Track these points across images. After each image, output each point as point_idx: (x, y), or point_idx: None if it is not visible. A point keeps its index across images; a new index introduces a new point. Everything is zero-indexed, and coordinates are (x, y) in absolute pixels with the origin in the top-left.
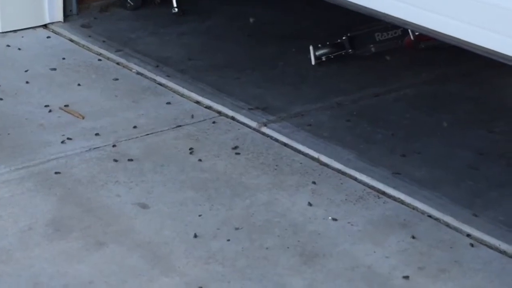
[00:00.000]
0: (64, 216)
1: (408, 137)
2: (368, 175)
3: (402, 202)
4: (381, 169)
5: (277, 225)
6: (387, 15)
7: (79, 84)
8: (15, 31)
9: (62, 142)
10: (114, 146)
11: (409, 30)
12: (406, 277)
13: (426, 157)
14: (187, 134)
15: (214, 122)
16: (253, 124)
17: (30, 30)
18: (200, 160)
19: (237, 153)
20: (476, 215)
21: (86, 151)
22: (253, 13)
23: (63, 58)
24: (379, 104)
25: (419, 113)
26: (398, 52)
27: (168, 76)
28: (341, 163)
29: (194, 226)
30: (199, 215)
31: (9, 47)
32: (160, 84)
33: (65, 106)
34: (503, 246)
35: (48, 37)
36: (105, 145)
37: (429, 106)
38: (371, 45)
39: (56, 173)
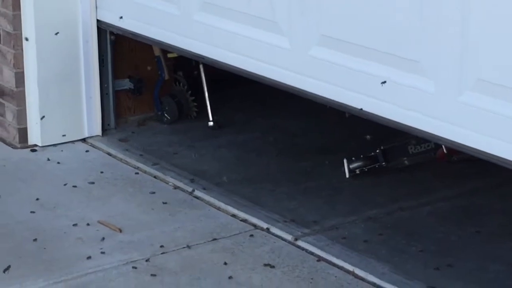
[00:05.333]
0: None
1: (441, 250)
2: None
3: None
4: (416, 282)
5: None
6: (419, 130)
7: (116, 198)
8: (54, 145)
9: (100, 255)
10: (151, 259)
11: None
12: None
13: (460, 270)
14: (223, 248)
15: (249, 235)
16: (288, 237)
17: (69, 144)
18: (235, 274)
19: (272, 267)
20: None
21: (123, 264)
22: (286, 126)
23: (101, 172)
24: (413, 217)
25: (451, 226)
26: (431, 165)
27: (204, 189)
28: (376, 277)
29: None
30: None
31: (49, 161)
32: (196, 197)
33: (102, 219)
34: None
35: (87, 151)
36: (142, 259)
37: (461, 219)
38: (404, 158)
39: (94, 287)
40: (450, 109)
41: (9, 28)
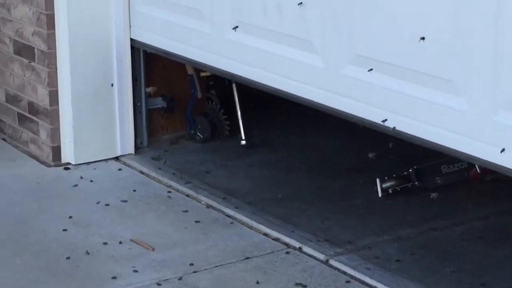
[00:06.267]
0: None
1: (474, 270)
2: None
3: None
4: None
5: None
6: (453, 149)
7: (149, 216)
8: (88, 163)
9: (132, 273)
10: (183, 278)
11: None
12: None
13: None
14: (255, 266)
15: (282, 255)
16: (321, 256)
17: (102, 162)
18: None
19: (304, 286)
20: None
21: (156, 283)
22: (319, 145)
23: (134, 190)
24: (446, 237)
25: (484, 246)
26: (465, 185)
27: (236, 208)
28: None
29: None
30: None
31: (82, 179)
32: (229, 216)
33: (135, 237)
34: None
35: (120, 169)
36: (175, 277)
37: (495, 239)
38: (438, 178)
39: None
40: (484, 128)
41: (43, 47)
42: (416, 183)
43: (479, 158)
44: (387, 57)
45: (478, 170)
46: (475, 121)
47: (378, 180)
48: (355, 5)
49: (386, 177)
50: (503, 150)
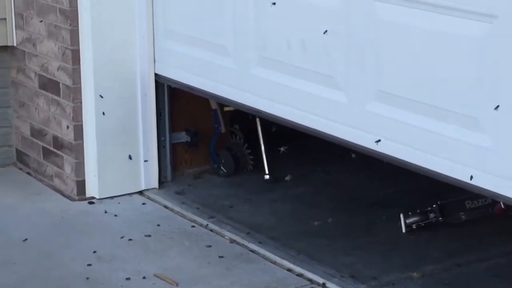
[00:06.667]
0: None
1: None
2: None
3: None
4: None
5: None
6: (477, 186)
7: (173, 251)
8: (112, 197)
9: None
10: None
11: None
12: None
13: None
14: None
15: None
16: None
17: (126, 196)
18: None
19: None
20: None
21: None
22: (342, 179)
23: (158, 225)
24: (470, 273)
25: (509, 282)
26: (489, 220)
27: (260, 243)
28: None
29: None
30: None
31: (106, 213)
32: (252, 251)
33: (159, 272)
34: None
35: (144, 203)
36: None
37: None
38: (462, 213)
39: None
40: (509, 166)
41: (68, 82)
42: (440, 218)
43: (504, 196)
44: (411, 94)
45: (502, 206)
46: (500, 159)
47: (402, 216)
48: (381, 43)
49: (410, 213)
50: None
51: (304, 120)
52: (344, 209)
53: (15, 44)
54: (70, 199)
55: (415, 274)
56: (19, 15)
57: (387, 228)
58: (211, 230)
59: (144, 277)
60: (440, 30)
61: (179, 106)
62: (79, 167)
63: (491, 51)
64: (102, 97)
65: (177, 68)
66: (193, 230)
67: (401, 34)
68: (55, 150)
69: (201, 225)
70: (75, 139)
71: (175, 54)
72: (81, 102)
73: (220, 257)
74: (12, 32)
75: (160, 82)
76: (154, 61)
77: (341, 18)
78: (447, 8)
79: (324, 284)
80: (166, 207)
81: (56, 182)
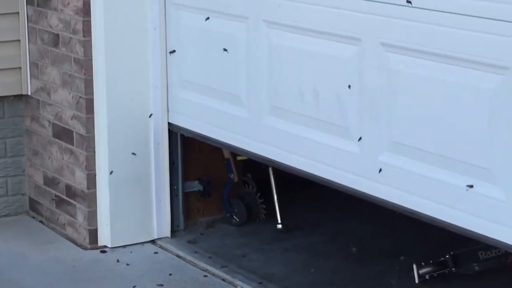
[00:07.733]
0: None
1: None
2: None
3: None
4: None
5: None
6: (490, 238)
7: None
8: (124, 246)
9: None
10: None
11: None
12: None
13: None
14: None
15: None
16: None
17: (139, 245)
18: None
19: None
20: None
21: None
22: (355, 229)
23: (170, 274)
24: None
25: None
26: (502, 271)
27: None
28: None
29: None
30: None
31: (118, 262)
32: None
33: None
34: None
35: (156, 252)
36: None
37: None
38: (475, 264)
39: None
40: None
41: (82, 130)
42: (453, 269)
43: None
44: (424, 145)
45: None
46: None
47: (415, 266)
48: (394, 94)
49: (423, 263)
50: None
51: (316, 170)
52: (357, 259)
53: (29, 93)
54: (82, 248)
55: None
56: (34, 64)
57: (400, 278)
58: (223, 280)
59: None
60: (453, 81)
61: (192, 155)
62: (92, 216)
63: (503, 102)
64: (115, 146)
65: (190, 117)
66: (205, 280)
67: (414, 85)
68: (68, 198)
69: (213, 274)
70: (88, 188)
71: (188, 103)
72: (94, 151)
73: None
74: (27, 81)
75: (174, 131)
76: (168, 110)
77: (354, 68)
78: (459, 59)
79: None
80: (178, 256)
81: (69, 230)
